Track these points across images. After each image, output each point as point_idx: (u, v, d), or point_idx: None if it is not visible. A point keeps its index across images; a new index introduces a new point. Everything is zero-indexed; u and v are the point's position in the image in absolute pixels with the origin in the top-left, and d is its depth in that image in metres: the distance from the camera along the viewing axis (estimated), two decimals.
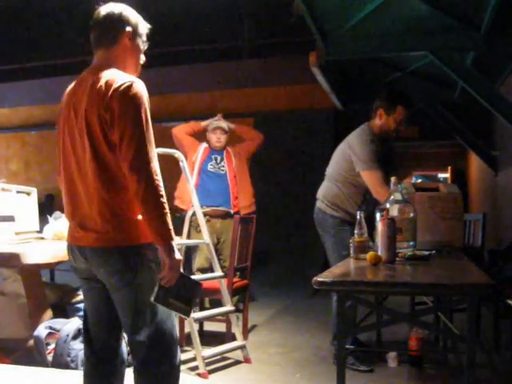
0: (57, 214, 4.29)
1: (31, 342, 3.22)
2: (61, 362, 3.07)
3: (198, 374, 3.66)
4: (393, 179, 3.11)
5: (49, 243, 3.77)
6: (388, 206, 3.02)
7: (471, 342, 2.08)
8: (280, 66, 7.73)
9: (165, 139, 4.90)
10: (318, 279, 2.20)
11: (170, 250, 2.05)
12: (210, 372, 3.72)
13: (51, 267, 5.07)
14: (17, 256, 3.13)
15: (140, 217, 2.09)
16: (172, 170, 4.69)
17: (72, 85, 2.24)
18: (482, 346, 3.99)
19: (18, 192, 3.94)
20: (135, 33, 2.24)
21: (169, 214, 2.05)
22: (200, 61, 7.03)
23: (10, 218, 3.82)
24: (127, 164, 2.01)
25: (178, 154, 4.15)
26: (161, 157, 3.92)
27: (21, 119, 10.46)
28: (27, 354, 3.29)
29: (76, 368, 3.05)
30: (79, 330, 3.18)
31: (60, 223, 4.10)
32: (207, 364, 3.76)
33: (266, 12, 5.60)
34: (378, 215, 2.88)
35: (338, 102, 6.31)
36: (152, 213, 2.03)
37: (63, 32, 6.00)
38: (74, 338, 3.14)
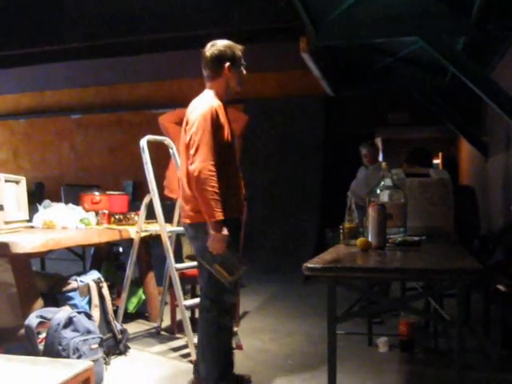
0: (46, 202, 4.25)
1: (22, 332, 3.21)
2: (52, 350, 3.05)
3: (190, 361, 3.67)
4: (383, 165, 3.11)
5: (39, 232, 3.75)
6: (378, 191, 3.03)
7: (461, 327, 2.09)
8: (270, 52, 7.67)
9: (156, 126, 4.89)
10: (308, 265, 2.20)
11: (213, 225, 2.80)
12: None
13: (41, 256, 5.05)
14: (6, 245, 3.11)
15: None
16: (160, 160, 4.67)
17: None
18: (473, 331, 4.03)
19: (7, 181, 3.88)
20: (233, 63, 2.99)
21: (216, 199, 2.76)
22: (189, 47, 6.97)
23: None
24: (190, 161, 2.81)
25: (167, 141, 4.13)
26: (151, 146, 3.93)
27: (9, 107, 10.35)
28: (18, 343, 3.28)
29: (67, 356, 3.03)
30: (70, 319, 3.18)
31: (49, 212, 4.07)
32: None
33: None
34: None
35: (328, 88, 6.30)
36: (201, 197, 2.79)
37: (52, 19, 5.93)
38: (65, 326, 3.12)
